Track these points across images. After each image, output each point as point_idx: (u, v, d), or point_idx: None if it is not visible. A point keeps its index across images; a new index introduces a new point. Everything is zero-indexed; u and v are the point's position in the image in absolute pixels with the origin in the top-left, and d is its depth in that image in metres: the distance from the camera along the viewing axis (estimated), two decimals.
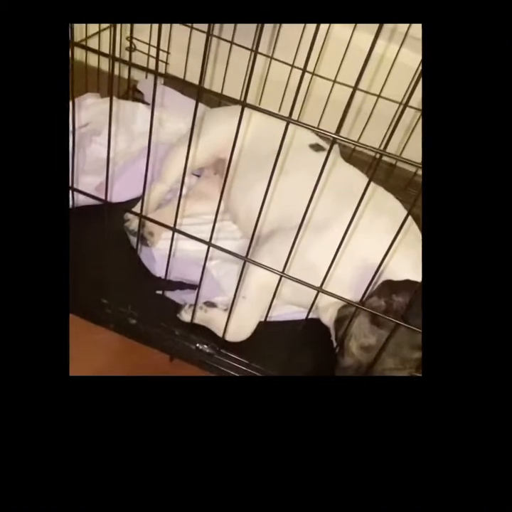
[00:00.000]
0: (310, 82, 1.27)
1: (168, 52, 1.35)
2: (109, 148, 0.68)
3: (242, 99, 0.56)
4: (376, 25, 0.50)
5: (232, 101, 0.58)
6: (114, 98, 1.30)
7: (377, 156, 0.55)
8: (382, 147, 0.55)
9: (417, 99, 0.56)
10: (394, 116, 1.18)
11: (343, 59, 1.23)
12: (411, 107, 1.17)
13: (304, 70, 0.57)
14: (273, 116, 0.56)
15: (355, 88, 0.53)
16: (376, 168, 0.58)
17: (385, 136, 1.16)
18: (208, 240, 0.70)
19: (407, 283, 0.74)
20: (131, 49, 1.30)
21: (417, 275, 0.77)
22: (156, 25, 1.28)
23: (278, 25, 1.29)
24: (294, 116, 0.54)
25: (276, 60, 1.26)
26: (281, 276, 0.68)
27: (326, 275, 0.66)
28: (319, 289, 0.67)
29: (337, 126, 0.55)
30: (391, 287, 0.76)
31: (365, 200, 0.77)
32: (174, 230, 0.70)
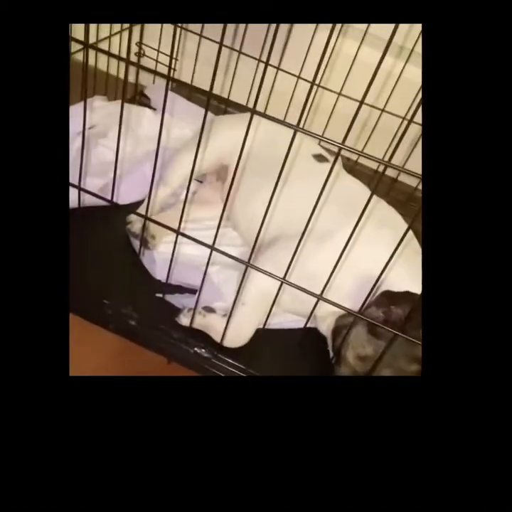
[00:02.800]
0: (315, 94, 1.28)
1: (176, 59, 1.37)
2: (118, 149, 0.69)
3: (252, 106, 0.57)
4: (384, 41, 0.52)
5: (241, 108, 0.59)
6: (120, 102, 1.32)
7: (381, 167, 0.57)
8: (386, 159, 0.56)
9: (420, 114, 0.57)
10: (397, 130, 1.20)
11: (349, 72, 1.25)
12: (415, 122, 1.18)
13: (313, 83, 0.58)
14: (282, 124, 0.57)
15: (361, 102, 0.54)
16: (380, 179, 0.59)
17: (388, 148, 1.18)
18: (209, 245, 0.71)
19: (406, 294, 0.75)
20: (140, 54, 1.32)
21: (416, 287, 0.78)
22: (165, 32, 1.30)
23: (286, 36, 1.31)
24: (300, 126, 0.55)
25: (283, 71, 1.28)
26: (282, 282, 0.69)
27: (327, 283, 0.67)
28: (319, 297, 0.68)
29: (343, 136, 0.56)
30: (390, 298, 0.76)
31: (367, 212, 0.79)
32: (178, 232, 0.71)
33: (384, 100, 1.26)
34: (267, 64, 0.56)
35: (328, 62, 1.24)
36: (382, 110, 1.26)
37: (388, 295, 0.77)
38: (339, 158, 1.32)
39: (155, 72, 1.02)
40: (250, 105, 0.58)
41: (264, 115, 0.58)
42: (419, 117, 0.58)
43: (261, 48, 1.21)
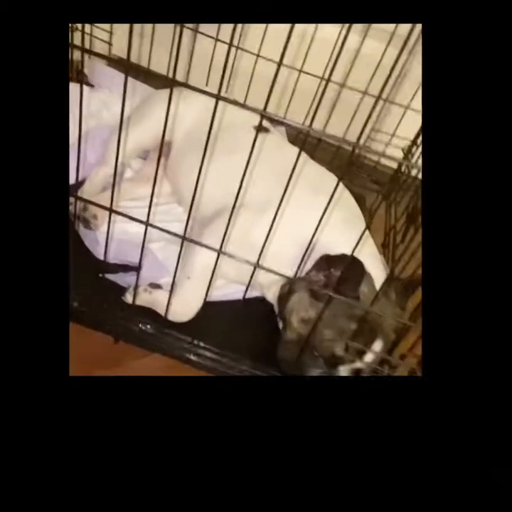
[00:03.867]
0: (235, 57, 1.27)
1: (111, 33, 1.33)
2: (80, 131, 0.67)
3: (172, 76, 0.56)
4: None
5: (158, 76, 0.58)
6: None
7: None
8: (308, 124, 0.56)
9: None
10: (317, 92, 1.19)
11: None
12: (333, 82, 1.19)
13: (231, 44, 0.58)
14: (203, 93, 0.57)
15: (279, 64, 0.54)
16: (304, 142, 0.59)
17: (309, 110, 1.17)
18: (143, 221, 0.71)
19: (343, 257, 0.76)
20: (73, 29, 1.27)
21: (352, 245, 0.80)
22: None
23: None
24: (226, 94, 0.55)
25: (201, 33, 1.26)
26: (219, 253, 0.69)
27: (261, 251, 0.68)
28: (256, 265, 0.69)
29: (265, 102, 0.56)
30: (328, 261, 0.78)
31: (302, 178, 0.80)
32: (111, 210, 0.70)
33: (301, 61, 1.26)
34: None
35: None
36: (300, 71, 1.26)
37: (326, 259, 0.79)
38: (282, 129, 1.33)
39: (90, 52, 0.99)
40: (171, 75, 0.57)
41: (186, 85, 0.58)
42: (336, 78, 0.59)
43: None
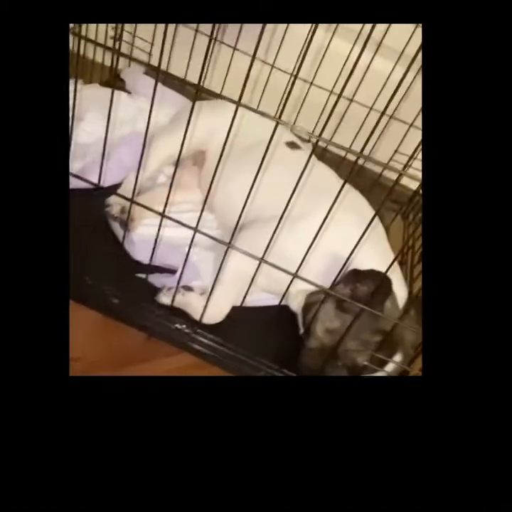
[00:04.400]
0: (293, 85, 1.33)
1: (152, 44, 1.39)
2: (107, 132, 0.72)
3: (238, 99, 0.62)
4: (362, 37, 0.56)
5: (219, 97, 0.63)
6: (97, 85, 1.33)
7: (353, 160, 0.62)
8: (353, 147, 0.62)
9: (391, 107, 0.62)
10: (364, 120, 1.26)
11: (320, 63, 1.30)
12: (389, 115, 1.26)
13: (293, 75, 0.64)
14: (265, 117, 0.62)
15: (340, 95, 0.60)
16: (352, 169, 0.65)
17: (355, 137, 1.23)
18: (192, 227, 0.76)
19: (371, 272, 0.82)
20: (116, 38, 1.33)
21: (379, 266, 0.85)
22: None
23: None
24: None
25: (263, 61, 1.32)
26: (261, 261, 0.74)
27: (302, 262, 0.73)
28: (295, 275, 0.74)
29: (314, 125, 0.61)
30: (356, 276, 0.83)
31: (332, 194, 0.85)
32: (163, 215, 0.75)
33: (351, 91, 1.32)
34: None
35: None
36: (351, 100, 1.32)
37: (355, 273, 0.84)
38: (310, 145, 1.39)
39: (130, 58, 1.04)
40: (225, 94, 0.63)
41: (245, 106, 0.63)
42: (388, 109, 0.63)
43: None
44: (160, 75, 1.40)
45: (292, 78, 1.29)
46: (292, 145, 1.13)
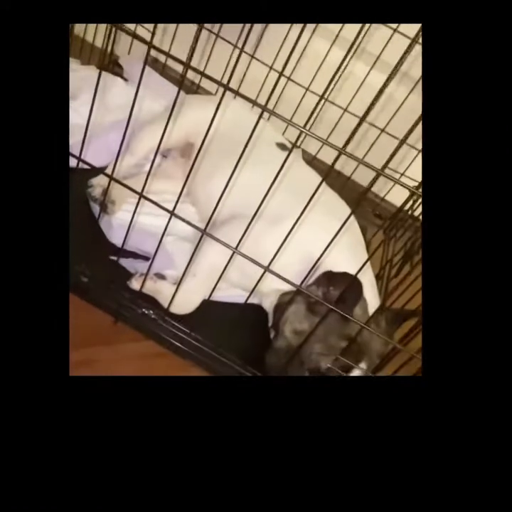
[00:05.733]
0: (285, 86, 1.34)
1: (153, 34, 1.38)
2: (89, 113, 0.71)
3: (227, 82, 0.61)
4: (361, 49, 0.55)
5: (214, 82, 0.63)
6: (94, 68, 1.33)
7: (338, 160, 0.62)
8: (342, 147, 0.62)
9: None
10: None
11: (318, 71, 1.31)
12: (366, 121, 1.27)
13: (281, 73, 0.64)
14: (250, 102, 0.62)
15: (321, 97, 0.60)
16: (333, 164, 0.64)
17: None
18: (169, 210, 0.75)
19: (344, 275, 0.81)
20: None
21: (353, 269, 0.85)
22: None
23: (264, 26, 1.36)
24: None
25: (257, 59, 1.33)
26: (234, 252, 0.74)
27: (274, 257, 0.73)
28: (266, 268, 0.74)
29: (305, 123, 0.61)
30: (329, 278, 0.83)
31: (317, 200, 0.85)
32: (141, 195, 0.74)
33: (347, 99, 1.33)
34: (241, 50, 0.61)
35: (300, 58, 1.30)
36: (345, 110, 1.33)
37: (328, 275, 0.84)
38: (299, 150, 1.39)
39: (135, 36, 1.02)
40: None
41: (236, 92, 0.63)
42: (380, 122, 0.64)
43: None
44: (158, 65, 1.41)
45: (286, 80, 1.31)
46: (282, 146, 1.13)
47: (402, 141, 1.15)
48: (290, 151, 0.67)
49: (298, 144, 1.40)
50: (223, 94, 0.62)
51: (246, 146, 0.66)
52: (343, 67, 0.64)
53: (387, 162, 1.27)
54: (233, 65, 0.62)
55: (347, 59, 0.72)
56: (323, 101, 1.31)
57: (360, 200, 1.39)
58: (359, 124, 0.61)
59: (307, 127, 0.62)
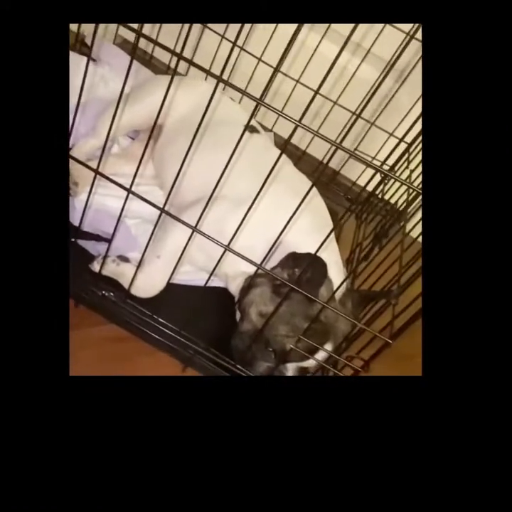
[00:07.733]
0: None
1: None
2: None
3: (180, 51, 0.59)
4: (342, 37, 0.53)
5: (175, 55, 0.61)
6: None
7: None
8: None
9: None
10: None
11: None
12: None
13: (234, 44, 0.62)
14: (206, 73, 0.60)
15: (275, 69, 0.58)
16: (290, 138, 0.62)
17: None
18: (126, 188, 0.73)
19: (308, 256, 0.80)
20: None
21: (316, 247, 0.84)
22: None
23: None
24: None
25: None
26: (194, 230, 0.72)
27: (234, 235, 0.71)
28: (226, 247, 0.72)
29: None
30: (294, 260, 0.82)
31: (281, 181, 0.84)
32: (96, 172, 0.72)
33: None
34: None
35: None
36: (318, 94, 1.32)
37: (293, 257, 0.82)
38: (271, 134, 1.37)
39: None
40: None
41: (189, 61, 0.61)
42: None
43: None
44: (128, 45, 1.37)
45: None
46: (251, 128, 1.11)
47: (358, 116, 1.13)
48: (245, 129, 0.65)
49: (270, 127, 1.40)
50: (179, 67, 0.60)
51: (200, 124, 0.64)
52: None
53: (358, 144, 1.26)
54: (189, 37, 0.59)
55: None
56: (282, 77, 1.30)
57: (328, 181, 1.39)
58: (313, 98, 0.59)
59: (267, 101, 0.60)
